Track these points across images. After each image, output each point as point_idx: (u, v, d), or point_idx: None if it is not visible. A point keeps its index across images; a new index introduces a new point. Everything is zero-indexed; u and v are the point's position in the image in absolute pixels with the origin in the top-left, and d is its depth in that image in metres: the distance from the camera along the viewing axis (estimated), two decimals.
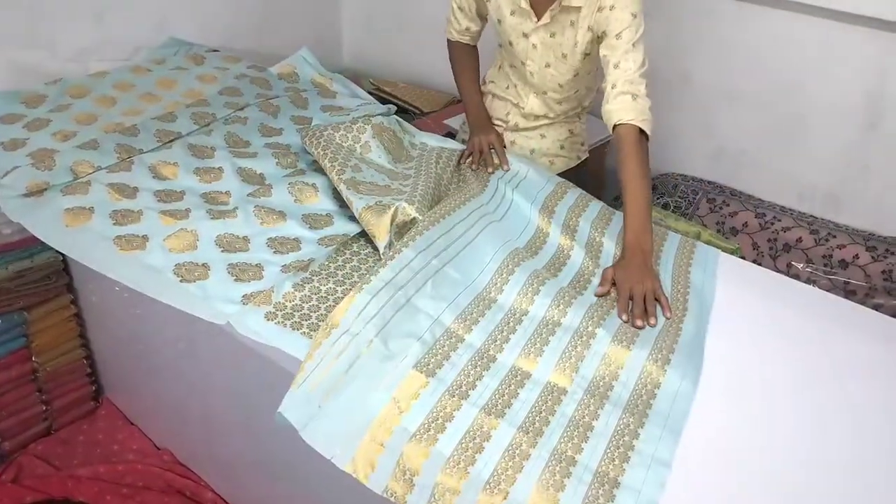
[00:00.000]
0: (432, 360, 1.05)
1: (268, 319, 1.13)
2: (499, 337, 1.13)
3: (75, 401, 1.80)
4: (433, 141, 1.69)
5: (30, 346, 1.64)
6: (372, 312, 1.07)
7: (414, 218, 1.28)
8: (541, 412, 1.01)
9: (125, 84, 1.79)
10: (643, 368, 1.10)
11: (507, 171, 1.57)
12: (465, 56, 1.72)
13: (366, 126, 1.55)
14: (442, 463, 0.91)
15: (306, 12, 2.61)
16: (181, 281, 1.20)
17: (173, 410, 1.64)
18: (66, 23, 1.87)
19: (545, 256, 1.35)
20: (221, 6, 2.27)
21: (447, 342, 1.09)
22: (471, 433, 0.95)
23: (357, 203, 1.31)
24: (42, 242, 1.32)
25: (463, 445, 0.94)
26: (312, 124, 1.60)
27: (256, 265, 1.25)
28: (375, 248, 1.30)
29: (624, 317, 1.19)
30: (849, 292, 1.88)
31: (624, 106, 1.36)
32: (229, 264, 1.25)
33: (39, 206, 1.36)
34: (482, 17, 1.65)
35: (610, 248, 1.41)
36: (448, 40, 1.73)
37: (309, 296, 1.18)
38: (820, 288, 1.54)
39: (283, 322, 1.13)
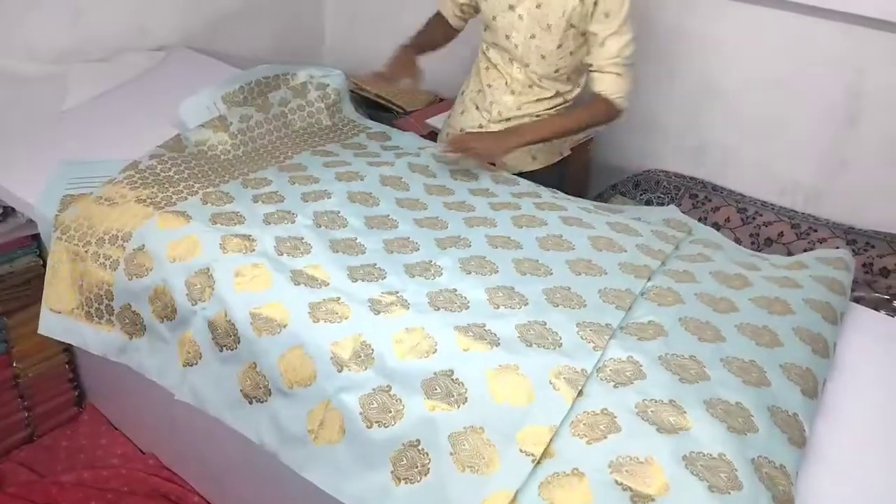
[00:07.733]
0: None
1: None
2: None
3: (58, 407, 1.77)
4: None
5: (10, 351, 1.61)
6: None
7: None
8: None
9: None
10: None
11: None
12: (435, 23, 1.81)
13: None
14: None
15: (288, 11, 2.60)
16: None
17: (158, 415, 1.62)
18: (43, 24, 1.84)
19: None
20: (197, 3, 2.24)
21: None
22: None
23: None
24: (21, 247, 1.29)
25: None
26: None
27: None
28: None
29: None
30: None
31: (610, 82, 1.58)
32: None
33: None
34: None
35: None
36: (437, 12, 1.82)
37: None
38: None
39: None
